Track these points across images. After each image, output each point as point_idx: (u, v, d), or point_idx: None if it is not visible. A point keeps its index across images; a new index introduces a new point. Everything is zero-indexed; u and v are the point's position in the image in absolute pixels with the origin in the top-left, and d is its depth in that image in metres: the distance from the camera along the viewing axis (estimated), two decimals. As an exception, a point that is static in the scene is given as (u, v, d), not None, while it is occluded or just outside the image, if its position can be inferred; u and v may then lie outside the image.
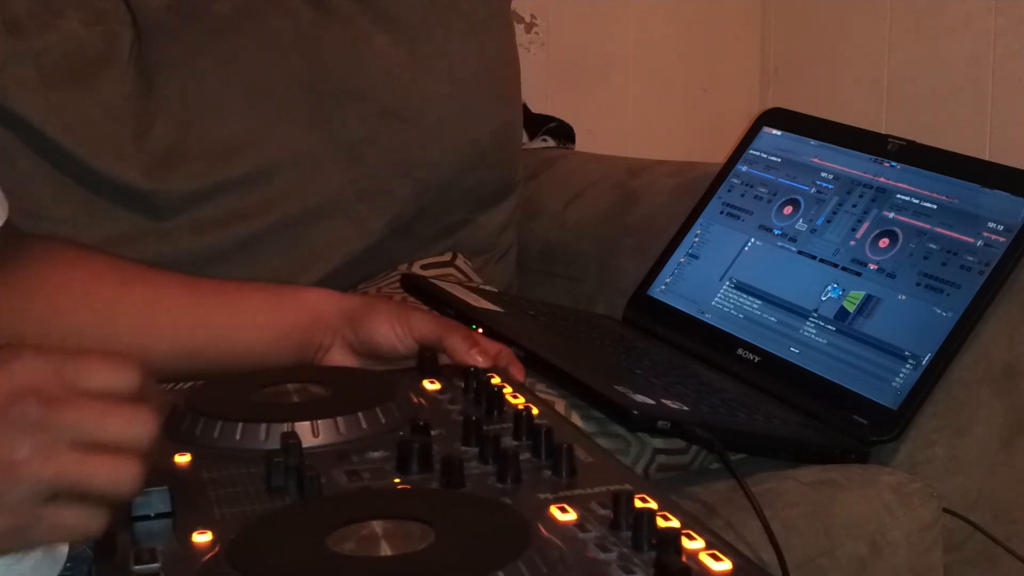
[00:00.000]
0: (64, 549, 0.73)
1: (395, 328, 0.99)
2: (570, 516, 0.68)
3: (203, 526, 0.67)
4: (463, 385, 0.90)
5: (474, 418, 0.80)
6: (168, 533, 0.67)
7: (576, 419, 1.06)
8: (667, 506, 0.68)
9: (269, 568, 0.61)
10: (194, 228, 1.37)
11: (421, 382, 0.91)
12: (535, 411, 0.83)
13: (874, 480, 1.11)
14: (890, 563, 1.08)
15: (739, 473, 1.00)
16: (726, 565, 0.62)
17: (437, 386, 0.91)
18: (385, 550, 0.62)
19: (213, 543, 0.65)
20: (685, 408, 1.05)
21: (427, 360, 0.95)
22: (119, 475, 0.61)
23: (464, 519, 0.66)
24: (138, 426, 0.62)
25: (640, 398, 1.02)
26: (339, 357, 1.01)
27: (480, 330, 1.16)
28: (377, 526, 0.63)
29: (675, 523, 0.66)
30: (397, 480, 0.74)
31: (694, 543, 0.64)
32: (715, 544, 0.64)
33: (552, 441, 0.77)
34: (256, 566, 0.61)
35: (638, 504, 0.68)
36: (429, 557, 0.61)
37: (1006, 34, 1.83)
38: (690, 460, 1.14)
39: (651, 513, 0.65)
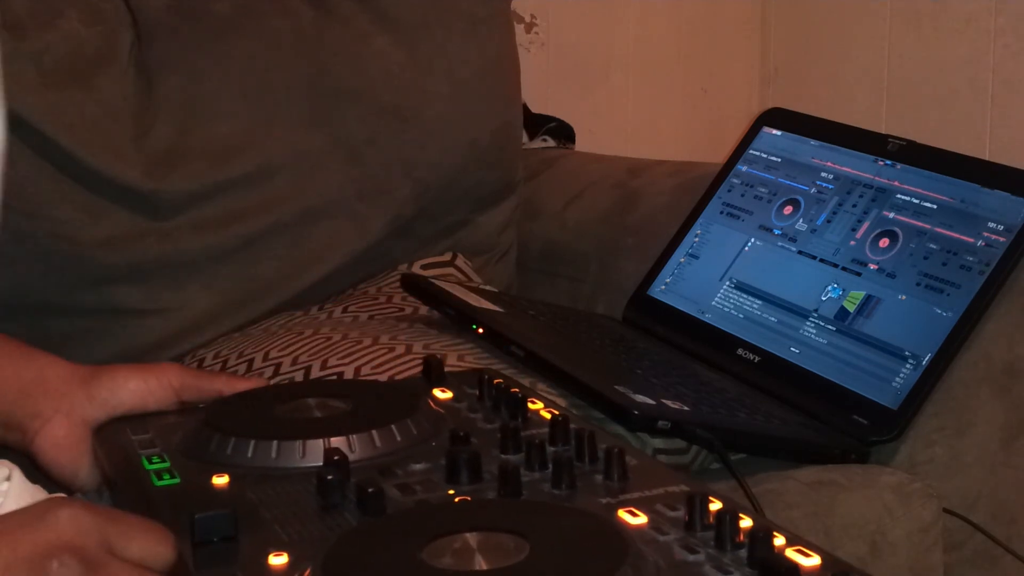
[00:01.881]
0: None
1: (147, 381, 0.89)
2: (641, 520, 0.67)
3: (275, 548, 0.65)
4: (477, 393, 0.89)
5: (512, 426, 0.79)
6: (236, 557, 0.65)
7: (576, 419, 1.06)
8: (734, 505, 0.67)
9: None
10: (194, 228, 1.37)
11: (431, 391, 0.90)
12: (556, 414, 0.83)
13: (874, 480, 1.11)
14: (890, 563, 1.08)
15: (739, 473, 1.00)
16: (815, 560, 0.62)
17: (449, 394, 0.90)
18: (481, 564, 0.61)
19: (293, 564, 0.63)
20: (685, 408, 1.05)
21: (434, 368, 0.94)
22: None
23: (554, 529, 0.64)
24: None
25: (640, 398, 1.02)
26: (59, 432, 0.87)
27: (480, 330, 1.16)
28: (470, 539, 0.62)
29: (749, 522, 0.65)
30: (451, 491, 0.72)
31: (777, 540, 0.63)
32: (796, 540, 0.63)
33: (596, 445, 0.76)
34: None
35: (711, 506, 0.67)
36: (530, 570, 0.59)
37: (1006, 34, 1.83)
38: (690, 460, 1.14)
39: (734, 512, 0.64)
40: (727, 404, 1.12)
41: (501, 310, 1.24)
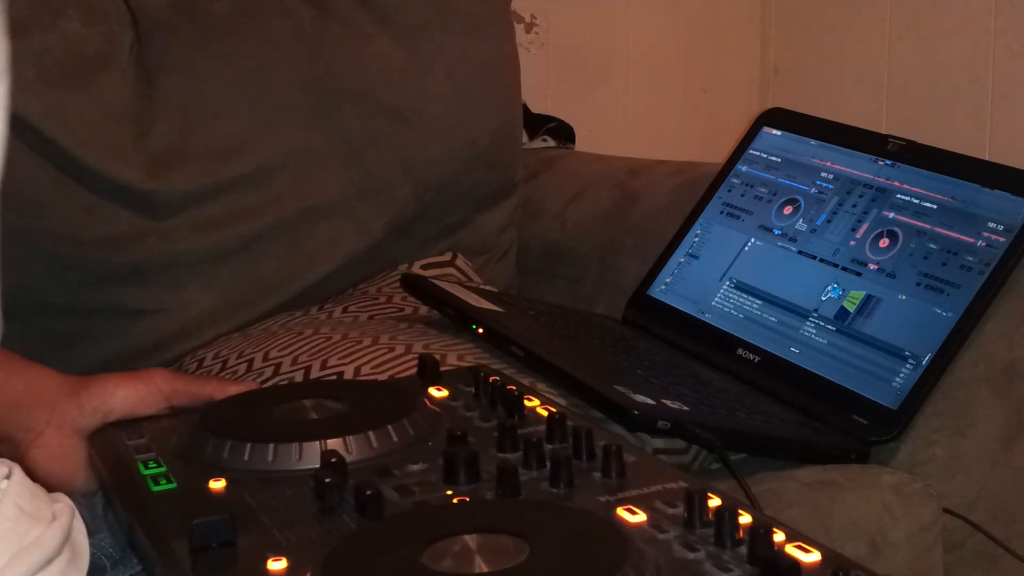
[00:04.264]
0: (86, 558, 0.72)
1: (136, 388, 0.88)
2: (640, 517, 0.66)
3: (274, 553, 0.64)
4: (473, 391, 0.89)
5: (509, 424, 0.78)
6: (236, 563, 0.64)
7: (576, 419, 1.06)
8: (733, 502, 0.67)
9: None
10: (194, 228, 1.37)
11: (427, 390, 0.90)
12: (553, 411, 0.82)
13: (874, 480, 1.11)
14: (890, 563, 1.08)
15: (739, 473, 1.00)
16: (815, 556, 0.61)
17: (445, 393, 0.90)
18: (481, 566, 0.60)
19: (292, 569, 0.63)
20: (685, 408, 1.05)
21: (429, 366, 0.94)
22: None
23: (554, 529, 0.64)
24: None
25: (640, 398, 1.02)
26: (52, 444, 0.86)
27: (480, 330, 1.16)
28: (470, 541, 0.62)
29: (748, 518, 0.65)
30: (449, 492, 0.72)
31: (777, 536, 0.63)
32: (795, 535, 0.63)
33: (594, 442, 0.75)
34: None
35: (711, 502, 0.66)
36: (530, 571, 0.59)
37: (1006, 34, 1.83)
38: (690, 460, 1.14)
39: (733, 509, 0.63)
40: (727, 404, 1.12)
41: (501, 310, 1.24)
